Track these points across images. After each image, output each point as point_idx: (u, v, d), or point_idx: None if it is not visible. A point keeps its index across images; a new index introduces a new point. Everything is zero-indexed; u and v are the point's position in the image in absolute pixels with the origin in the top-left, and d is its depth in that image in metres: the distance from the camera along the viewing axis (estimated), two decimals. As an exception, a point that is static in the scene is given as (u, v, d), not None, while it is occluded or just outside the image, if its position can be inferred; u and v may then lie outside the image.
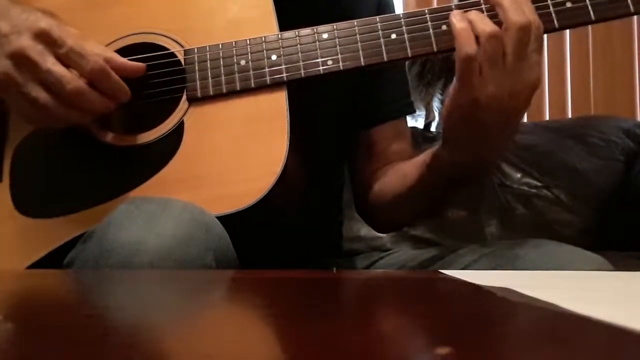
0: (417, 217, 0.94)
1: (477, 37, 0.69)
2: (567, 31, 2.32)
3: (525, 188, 1.69)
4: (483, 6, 0.74)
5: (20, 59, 0.70)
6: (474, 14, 0.70)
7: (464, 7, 0.74)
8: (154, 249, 0.61)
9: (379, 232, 1.07)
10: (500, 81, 0.69)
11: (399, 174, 0.89)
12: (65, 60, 0.70)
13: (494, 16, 0.70)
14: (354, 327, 0.35)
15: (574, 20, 0.73)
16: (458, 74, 0.70)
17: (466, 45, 0.69)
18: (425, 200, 0.86)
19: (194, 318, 0.38)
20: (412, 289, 0.55)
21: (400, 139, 0.96)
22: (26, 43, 0.69)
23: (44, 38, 0.70)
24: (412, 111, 0.99)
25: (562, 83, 2.33)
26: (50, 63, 0.69)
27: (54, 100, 0.70)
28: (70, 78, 0.70)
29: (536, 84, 0.70)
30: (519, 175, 1.71)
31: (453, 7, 0.74)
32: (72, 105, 0.71)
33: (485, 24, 0.69)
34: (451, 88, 0.72)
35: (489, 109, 0.70)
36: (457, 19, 0.70)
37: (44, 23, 0.70)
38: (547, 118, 2.30)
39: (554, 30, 0.74)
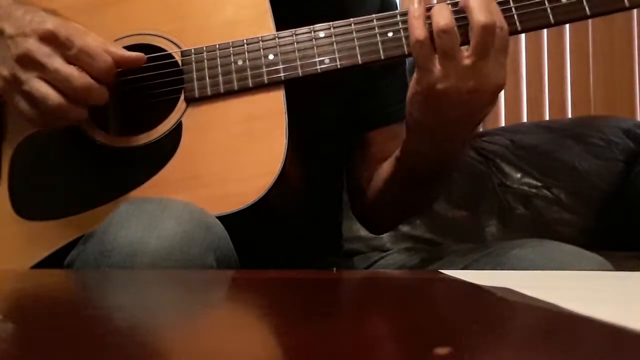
0: (398, 214, 0.94)
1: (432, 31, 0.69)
2: (567, 31, 2.32)
3: (525, 188, 1.69)
4: (451, 9, 0.74)
5: (27, 62, 0.70)
6: (435, 8, 0.70)
7: (431, 9, 0.74)
8: (154, 249, 0.62)
9: (372, 233, 1.07)
10: (459, 76, 0.69)
11: (378, 170, 0.89)
12: (75, 61, 0.71)
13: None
14: (354, 327, 0.35)
15: (569, 15, 0.73)
16: (414, 59, 0.71)
17: (415, 30, 0.70)
18: (399, 193, 0.86)
19: (195, 318, 0.38)
20: (412, 289, 0.55)
21: (395, 141, 0.96)
22: (32, 46, 0.70)
23: (51, 40, 0.70)
24: None
25: (562, 83, 2.33)
26: (58, 63, 0.70)
27: (60, 96, 0.70)
28: (78, 75, 0.70)
29: (501, 85, 0.70)
30: (519, 175, 1.71)
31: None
32: (78, 101, 0.71)
33: (441, 17, 0.69)
34: (414, 74, 0.73)
35: (449, 101, 0.70)
36: (414, 6, 0.71)
37: (50, 24, 0.70)
38: (547, 118, 2.30)
39: (549, 25, 0.74)
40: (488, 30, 0.68)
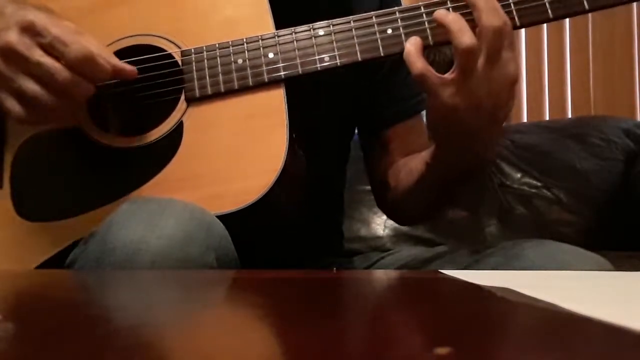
0: (429, 211, 0.95)
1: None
2: (567, 31, 2.32)
3: (525, 188, 1.69)
4: (449, 5, 0.74)
5: (9, 54, 0.69)
6: (455, 24, 0.69)
7: (430, 6, 0.74)
8: (155, 249, 0.62)
9: (400, 224, 1.08)
10: (475, 86, 0.69)
11: (407, 169, 0.89)
12: (50, 49, 0.69)
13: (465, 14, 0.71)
14: (354, 327, 0.35)
15: (568, 10, 0.73)
16: (422, 88, 0.72)
17: (414, 65, 0.71)
18: (431, 195, 0.86)
19: (195, 318, 0.38)
20: (412, 289, 0.55)
21: (414, 134, 0.96)
22: (13, 37, 0.69)
23: (30, 30, 0.69)
24: (424, 107, 1.00)
25: (562, 83, 2.33)
26: (38, 55, 0.69)
27: (45, 92, 0.70)
28: (60, 69, 0.69)
29: (514, 79, 0.70)
30: (519, 175, 1.71)
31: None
32: (64, 95, 0.71)
33: (466, 36, 0.68)
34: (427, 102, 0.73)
35: (469, 111, 0.70)
36: (410, 43, 0.71)
37: (32, 15, 0.70)
38: (547, 118, 2.30)
39: (548, 20, 0.74)
40: (499, 33, 0.68)
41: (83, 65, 0.70)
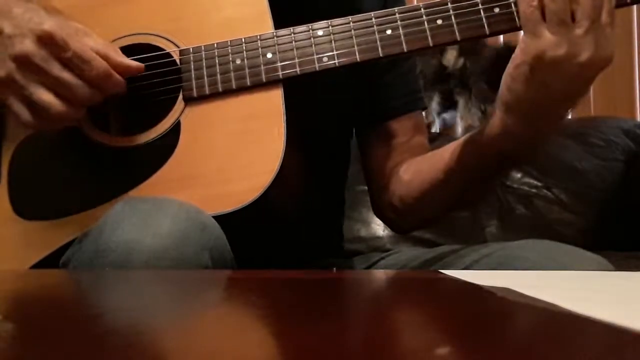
0: (452, 206, 0.90)
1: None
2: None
3: (525, 188, 1.69)
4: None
5: (25, 64, 0.69)
6: None
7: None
8: (149, 248, 0.61)
9: (400, 232, 1.02)
10: (572, 44, 0.65)
11: (430, 162, 0.85)
12: (69, 64, 0.70)
13: None
14: (354, 328, 0.35)
15: None
16: (523, 26, 0.68)
17: None
18: (464, 184, 0.82)
19: (192, 318, 0.38)
20: (412, 289, 0.55)
21: (420, 132, 0.93)
22: (30, 48, 0.69)
23: (48, 42, 0.69)
24: (426, 106, 0.98)
25: (562, 83, 2.33)
26: (57, 69, 0.69)
27: (62, 103, 0.70)
28: (80, 84, 0.70)
29: (611, 58, 0.67)
30: (519, 175, 1.71)
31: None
32: (78, 106, 0.72)
33: None
34: (519, 43, 0.69)
35: (557, 72, 0.67)
36: None
37: (48, 25, 0.70)
38: (547, 118, 2.30)
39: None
40: None
41: (101, 83, 0.71)
